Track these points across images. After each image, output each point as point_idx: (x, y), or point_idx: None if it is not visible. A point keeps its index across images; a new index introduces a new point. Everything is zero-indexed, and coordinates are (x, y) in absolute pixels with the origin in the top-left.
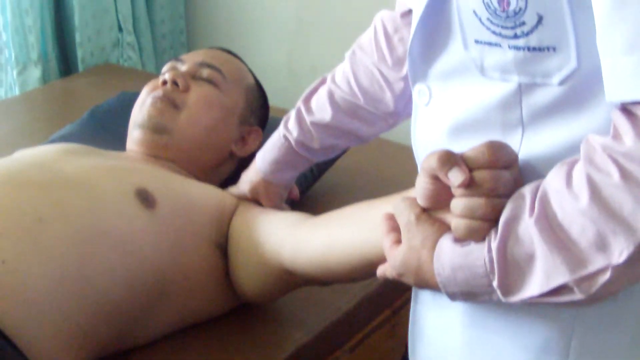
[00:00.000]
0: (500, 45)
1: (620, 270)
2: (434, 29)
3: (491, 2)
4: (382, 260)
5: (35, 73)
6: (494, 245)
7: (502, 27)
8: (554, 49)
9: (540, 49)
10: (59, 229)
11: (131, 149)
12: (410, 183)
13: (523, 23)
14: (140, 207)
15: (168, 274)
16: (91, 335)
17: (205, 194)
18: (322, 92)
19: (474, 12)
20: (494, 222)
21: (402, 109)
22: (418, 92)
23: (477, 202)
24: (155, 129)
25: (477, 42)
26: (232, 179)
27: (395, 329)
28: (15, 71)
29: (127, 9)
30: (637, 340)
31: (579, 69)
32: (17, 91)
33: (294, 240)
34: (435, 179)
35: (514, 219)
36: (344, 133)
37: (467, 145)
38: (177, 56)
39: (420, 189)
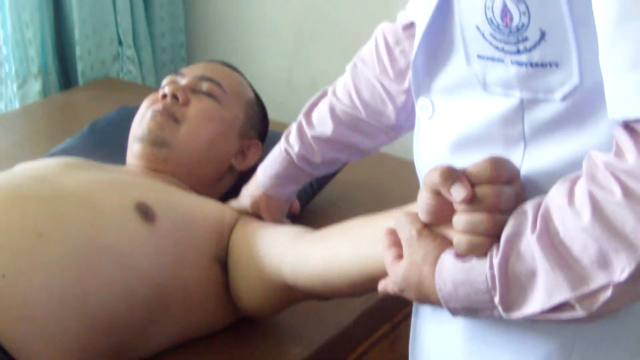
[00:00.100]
0: (502, 61)
1: (622, 288)
2: (437, 43)
3: (494, 17)
4: (382, 275)
5: (35, 86)
6: (496, 261)
7: (505, 42)
8: (557, 65)
9: (542, 65)
10: (59, 243)
11: (131, 162)
12: (410, 197)
13: (526, 39)
14: (140, 221)
15: (168, 288)
16: (90, 349)
17: (205, 207)
18: (323, 106)
19: (477, 27)
20: (496, 237)
21: (404, 122)
22: (421, 106)
23: (479, 218)
24: (155, 142)
25: (479, 57)
26: (232, 192)
27: (395, 343)
28: (16, 84)
29: (127, 22)
30: (636, 356)
31: (582, 84)
32: (17, 105)
33: (294, 254)
34: (437, 194)
35: (516, 235)
36: (345, 146)
37: (469, 159)
38: (177, 70)
39: (422, 204)
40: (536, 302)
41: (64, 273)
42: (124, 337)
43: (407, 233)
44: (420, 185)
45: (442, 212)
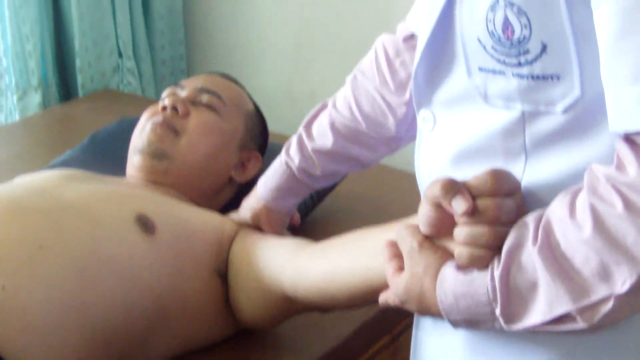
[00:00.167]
0: (504, 73)
1: (623, 300)
2: (439, 55)
3: (495, 30)
4: (383, 287)
5: (35, 98)
6: (497, 273)
7: (506, 55)
8: (558, 78)
9: (544, 78)
10: (59, 255)
11: (131, 174)
12: (411, 209)
13: (527, 51)
14: (140, 233)
15: (167, 300)
16: None
17: (205, 219)
18: (323, 118)
19: (478, 39)
20: (497, 250)
21: (404, 134)
22: (423, 118)
23: (480, 230)
24: (155, 154)
25: (481, 69)
26: (231, 204)
27: (395, 355)
28: (16, 97)
29: (127, 34)
30: None
31: (583, 97)
32: (17, 117)
33: (295, 266)
34: (438, 206)
35: (517, 247)
36: (346, 159)
37: (470, 172)
38: (177, 82)
39: (423, 217)
40: (537, 314)
41: (64, 285)
42: (123, 349)
43: (408, 245)
44: (421, 197)
45: (443, 225)
